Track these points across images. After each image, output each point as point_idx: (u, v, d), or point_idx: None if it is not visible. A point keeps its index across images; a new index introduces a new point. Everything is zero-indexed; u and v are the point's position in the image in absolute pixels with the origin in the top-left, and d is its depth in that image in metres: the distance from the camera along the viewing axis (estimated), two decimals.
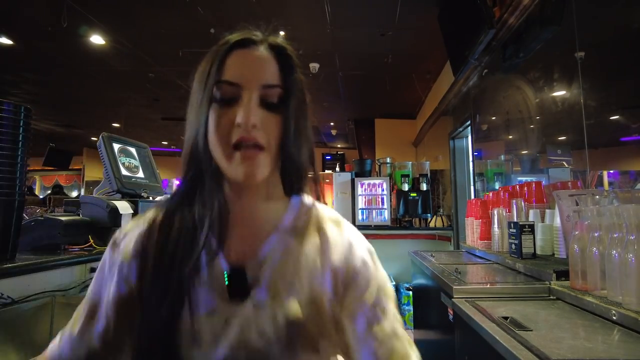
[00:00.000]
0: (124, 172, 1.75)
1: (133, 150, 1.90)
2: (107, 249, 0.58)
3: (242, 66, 0.53)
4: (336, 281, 0.55)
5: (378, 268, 0.59)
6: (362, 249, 0.58)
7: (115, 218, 1.46)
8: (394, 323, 0.58)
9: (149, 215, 0.57)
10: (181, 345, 0.48)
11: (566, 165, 2.14)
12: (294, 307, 0.51)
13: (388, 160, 4.93)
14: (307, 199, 0.61)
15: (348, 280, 0.55)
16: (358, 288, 0.55)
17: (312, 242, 0.56)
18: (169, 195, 0.58)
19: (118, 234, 0.58)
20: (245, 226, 0.56)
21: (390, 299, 0.59)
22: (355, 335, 0.54)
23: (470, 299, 1.27)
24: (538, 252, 1.62)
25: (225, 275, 0.52)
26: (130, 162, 1.83)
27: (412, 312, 3.33)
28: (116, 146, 1.78)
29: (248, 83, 0.52)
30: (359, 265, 0.56)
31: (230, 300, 0.51)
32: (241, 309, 0.51)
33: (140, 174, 1.86)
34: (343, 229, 0.60)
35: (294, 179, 0.58)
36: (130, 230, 0.57)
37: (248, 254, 0.54)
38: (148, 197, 1.77)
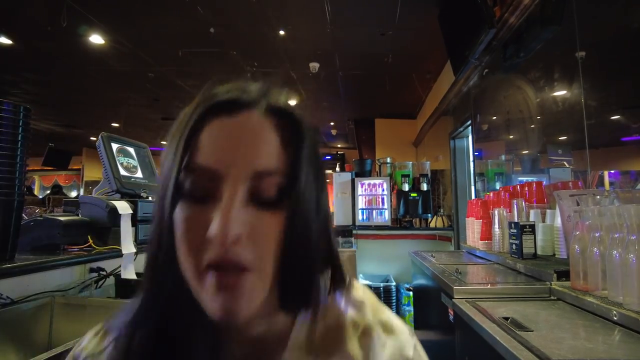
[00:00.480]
0: (123, 172, 1.75)
1: (131, 150, 1.89)
2: None
3: (223, 143, 0.36)
4: None
5: None
6: None
7: (114, 218, 1.46)
8: None
9: (103, 344, 0.43)
10: None
11: (567, 165, 2.14)
12: None
13: (388, 160, 4.93)
14: (328, 296, 0.43)
15: None
16: None
17: None
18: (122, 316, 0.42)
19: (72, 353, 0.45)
20: (242, 347, 0.41)
21: None
22: None
23: (470, 300, 1.27)
24: (539, 252, 1.61)
25: None
26: (128, 162, 1.83)
27: (412, 312, 3.33)
28: (114, 146, 1.78)
29: (231, 170, 0.35)
30: None
31: None
32: None
33: (139, 174, 1.86)
34: (397, 336, 0.43)
35: (296, 296, 0.39)
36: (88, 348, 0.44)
37: None
38: (147, 197, 1.77)
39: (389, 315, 0.45)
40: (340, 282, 0.43)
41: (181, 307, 0.37)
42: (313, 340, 0.41)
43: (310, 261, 0.38)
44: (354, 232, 4.24)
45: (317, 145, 0.41)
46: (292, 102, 0.41)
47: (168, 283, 0.37)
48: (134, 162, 1.86)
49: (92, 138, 9.24)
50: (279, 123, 0.38)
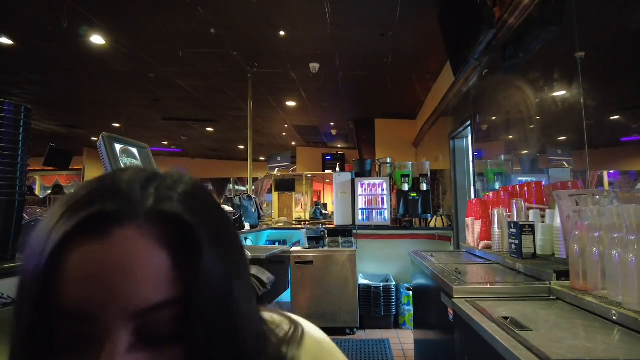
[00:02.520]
0: None
1: (135, 151, 1.90)
2: None
3: (92, 275, 0.28)
4: None
5: None
6: None
7: None
8: None
9: None
10: None
11: (566, 166, 2.14)
12: None
13: (388, 160, 4.93)
14: None
15: None
16: None
17: None
18: None
19: None
20: None
21: None
22: None
23: (470, 299, 1.27)
24: (538, 252, 1.62)
25: None
26: (132, 162, 1.83)
27: (412, 312, 3.34)
28: (118, 147, 1.78)
29: (107, 311, 0.27)
30: None
31: None
32: None
33: None
34: None
35: None
36: None
37: None
38: None
39: None
40: None
41: None
42: None
43: None
44: (354, 232, 4.24)
45: (221, 237, 0.32)
46: (181, 199, 0.30)
47: None
48: (138, 163, 1.87)
49: (93, 138, 9.25)
50: (166, 233, 0.29)
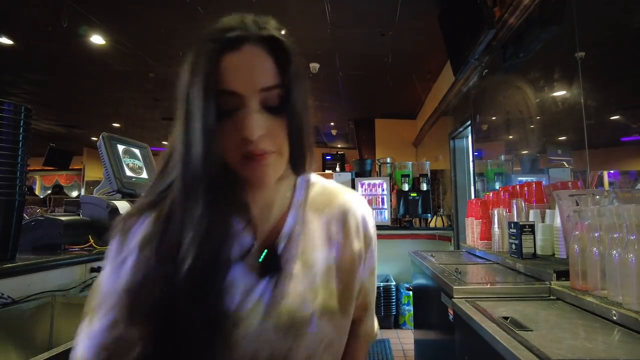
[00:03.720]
0: (129, 173, 1.75)
1: (137, 151, 1.90)
2: (116, 238, 0.55)
3: (238, 71, 0.50)
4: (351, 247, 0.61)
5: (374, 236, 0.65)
6: (357, 217, 0.63)
7: (115, 218, 1.46)
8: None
9: (146, 201, 0.56)
10: (221, 326, 0.49)
11: (566, 166, 2.14)
12: (327, 275, 0.58)
13: (388, 160, 4.93)
14: (311, 175, 0.64)
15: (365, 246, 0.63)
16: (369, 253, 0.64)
17: (324, 213, 0.61)
18: (152, 189, 0.57)
19: (122, 222, 0.56)
20: (262, 207, 0.58)
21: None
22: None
23: (470, 299, 1.27)
24: (538, 252, 1.62)
25: (263, 254, 0.55)
26: (134, 163, 1.83)
27: (412, 312, 3.34)
28: (120, 147, 1.79)
29: (247, 89, 0.49)
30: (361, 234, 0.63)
31: (266, 276, 0.54)
32: (279, 283, 0.54)
33: (145, 175, 1.86)
34: (339, 197, 0.64)
35: (299, 162, 0.57)
36: (137, 216, 0.56)
37: (273, 231, 0.58)
38: None
39: (333, 185, 0.67)
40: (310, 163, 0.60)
41: (224, 178, 0.51)
42: (312, 199, 0.61)
43: (305, 145, 0.55)
44: None
45: (301, 66, 0.55)
46: (282, 32, 0.55)
47: (207, 170, 0.49)
48: (140, 163, 1.87)
49: (93, 138, 9.25)
50: (274, 50, 0.51)
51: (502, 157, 3.08)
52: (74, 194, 11.18)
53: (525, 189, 1.92)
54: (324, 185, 0.65)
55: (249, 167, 0.51)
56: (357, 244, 0.61)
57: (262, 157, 0.50)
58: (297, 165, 0.57)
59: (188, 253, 0.48)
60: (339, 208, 0.62)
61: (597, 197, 1.16)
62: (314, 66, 4.69)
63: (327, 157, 9.54)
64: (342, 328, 0.59)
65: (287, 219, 0.58)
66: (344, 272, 0.59)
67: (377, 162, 5.21)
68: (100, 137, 1.73)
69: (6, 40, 4.13)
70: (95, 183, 8.81)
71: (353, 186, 4.67)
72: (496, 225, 1.93)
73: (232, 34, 0.50)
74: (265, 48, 0.51)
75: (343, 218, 0.61)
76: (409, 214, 4.42)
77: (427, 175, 4.50)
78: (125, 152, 1.81)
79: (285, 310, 0.53)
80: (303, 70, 0.55)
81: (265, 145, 0.50)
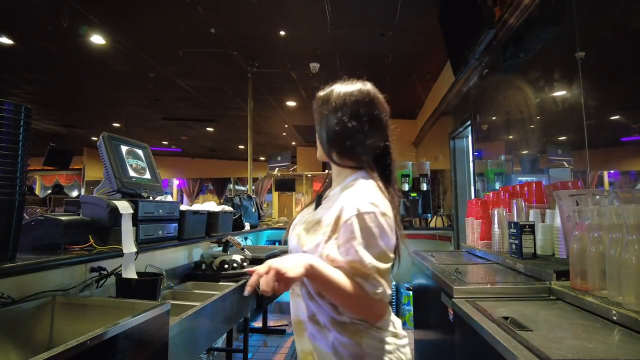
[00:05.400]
0: (132, 173, 1.75)
1: (140, 152, 1.90)
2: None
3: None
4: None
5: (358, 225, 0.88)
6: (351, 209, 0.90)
7: (115, 218, 1.46)
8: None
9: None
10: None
11: (566, 166, 2.14)
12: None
13: None
14: (358, 174, 1.04)
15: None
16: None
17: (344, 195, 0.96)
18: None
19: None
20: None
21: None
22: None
23: (470, 299, 1.27)
24: (538, 252, 1.62)
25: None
26: (137, 163, 1.83)
27: (412, 312, 3.33)
28: (124, 148, 1.79)
29: None
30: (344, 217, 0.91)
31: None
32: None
33: (147, 175, 1.86)
34: (350, 192, 0.97)
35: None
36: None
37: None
38: (148, 197, 1.77)
39: (359, 186, 1.01)
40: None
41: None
42: (345, 184, 1.01)
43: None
44: None
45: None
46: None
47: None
48: (143, 164, 1.87)
49: (93, 138, 9.25)
50: None
51: (502, 157, 3.08)
52: (74, 193, 11.18)
53: (526, 189, 1.91)
54: (357, 184, 0.98)
55: None
56: (339, 218, 0.92)
57: None
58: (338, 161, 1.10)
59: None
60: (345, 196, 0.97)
61: (597, 197, 1.16)
62: (314, 66, 4.69)
63: None
64: (311, 243, 0.95)
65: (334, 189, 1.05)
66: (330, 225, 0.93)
67: None
68: (101, 137, 1.73)
69: (6, 40, 4.13)
70: (95, 183, 8.81)
71: None
72: (496, 225, 1.93)
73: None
74: None
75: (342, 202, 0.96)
76: (409, 214, 4.41)
77: (427, 175, 4.50)
78: (128, 152, 1.80)
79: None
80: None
81: None
